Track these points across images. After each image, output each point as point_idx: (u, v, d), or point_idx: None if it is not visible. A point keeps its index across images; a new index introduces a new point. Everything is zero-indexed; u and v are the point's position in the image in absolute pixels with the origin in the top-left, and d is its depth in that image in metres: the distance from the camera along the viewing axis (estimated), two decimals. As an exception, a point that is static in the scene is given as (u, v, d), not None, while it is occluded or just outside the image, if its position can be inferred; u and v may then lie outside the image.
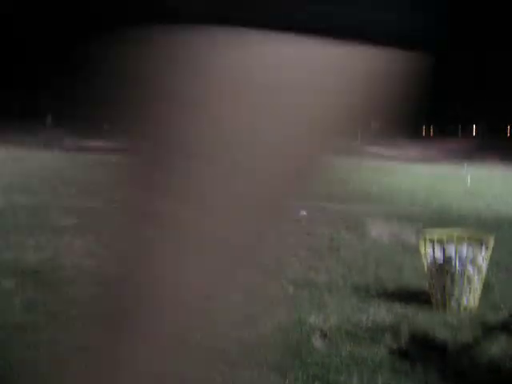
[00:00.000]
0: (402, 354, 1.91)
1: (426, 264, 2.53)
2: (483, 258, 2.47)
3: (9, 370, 1.64)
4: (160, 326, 0.39)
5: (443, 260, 2.45)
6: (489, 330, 2.15)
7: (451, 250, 2.43)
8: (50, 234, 3.53)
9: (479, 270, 2.47)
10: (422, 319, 2.28)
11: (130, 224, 0.40)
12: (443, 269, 2.45)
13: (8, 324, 2.00)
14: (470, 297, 2.44)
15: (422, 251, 2.53)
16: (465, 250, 2.44)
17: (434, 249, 2.48)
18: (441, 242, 2.49)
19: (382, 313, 2.36)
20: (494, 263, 3.13)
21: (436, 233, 2.69)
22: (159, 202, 0.35)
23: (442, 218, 4.93)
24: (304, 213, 4.28)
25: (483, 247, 2.46)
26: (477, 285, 2.47)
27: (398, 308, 2.43)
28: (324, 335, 2.04)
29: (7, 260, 2.84)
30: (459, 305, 2.42)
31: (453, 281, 2.43)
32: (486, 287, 2.72)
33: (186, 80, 0.33)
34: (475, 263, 2.44)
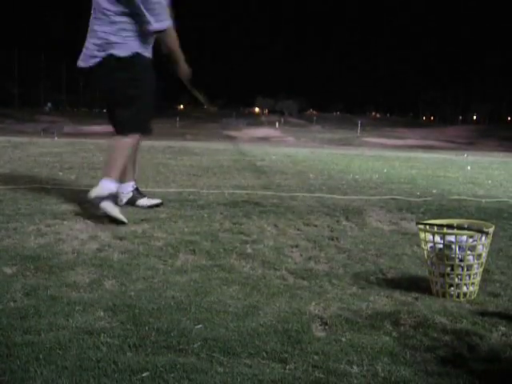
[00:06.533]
0: (402, 342, 1.91)
1: (425, 252, 2.54)
2: (483, 245, 2.47)
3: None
4: None
5: (443, 247, 2.45)
6: (488, 318, 2.16)
7: (451, 237, 2.43)
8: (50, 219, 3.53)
9: (479, 258, 2.48)
10: (421, 307, 2.29)
11: None
12: (443, 256, 2.45)
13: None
14: (470, 284, 2.45)
15: (422, 239, 2.54)
16: (465, 237, 2.45)
17: (433, 236, 2.49)
18: (441, 229, 2.50)
19: (382, 301, 2.37)
20: (493, 251, 3.14)
21: (436, 220, 2.70)
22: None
23: (442, 206, 4.93)
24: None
25: (483, 235, 2.46)
26: (476, 272, 2.48)
27: (398, 296, 2.43)
28: (324, 323, 2.04)
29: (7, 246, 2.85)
30: (459, 292, 2.43)
31: (453, 268, 2.44)
32: (486, 275, 2.73)
33: None
34: (475, 251, 2.45)
